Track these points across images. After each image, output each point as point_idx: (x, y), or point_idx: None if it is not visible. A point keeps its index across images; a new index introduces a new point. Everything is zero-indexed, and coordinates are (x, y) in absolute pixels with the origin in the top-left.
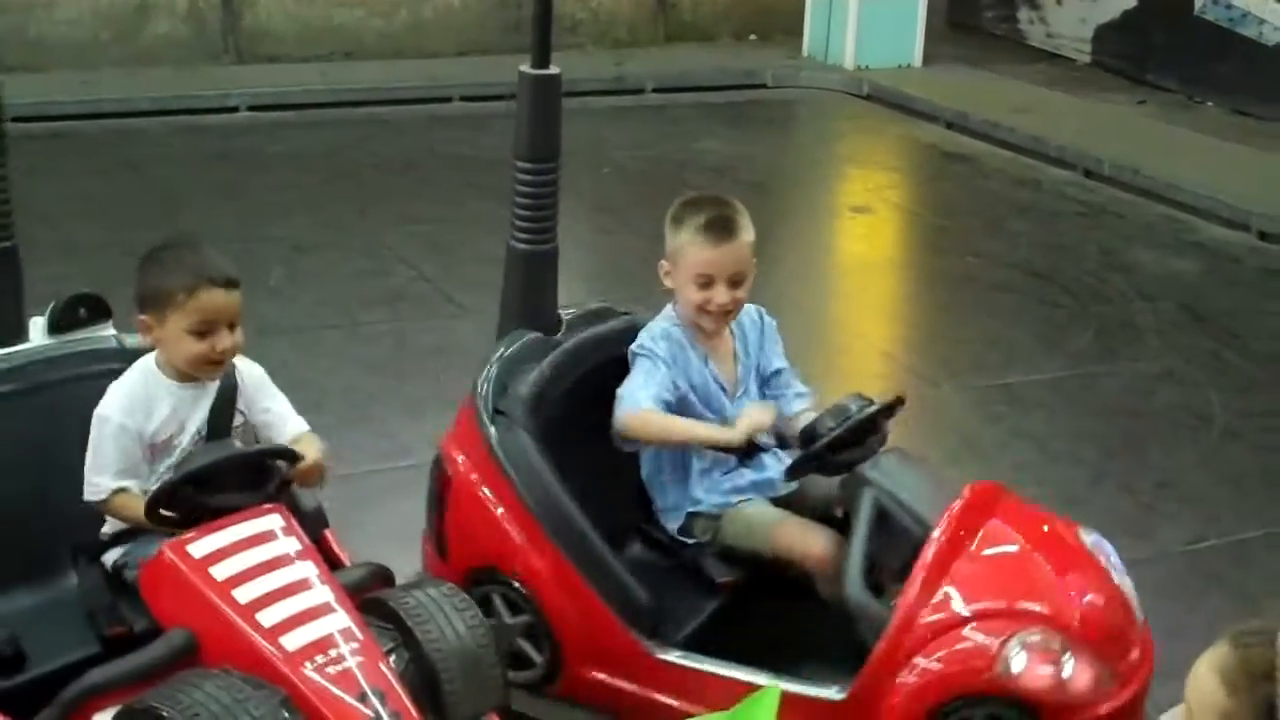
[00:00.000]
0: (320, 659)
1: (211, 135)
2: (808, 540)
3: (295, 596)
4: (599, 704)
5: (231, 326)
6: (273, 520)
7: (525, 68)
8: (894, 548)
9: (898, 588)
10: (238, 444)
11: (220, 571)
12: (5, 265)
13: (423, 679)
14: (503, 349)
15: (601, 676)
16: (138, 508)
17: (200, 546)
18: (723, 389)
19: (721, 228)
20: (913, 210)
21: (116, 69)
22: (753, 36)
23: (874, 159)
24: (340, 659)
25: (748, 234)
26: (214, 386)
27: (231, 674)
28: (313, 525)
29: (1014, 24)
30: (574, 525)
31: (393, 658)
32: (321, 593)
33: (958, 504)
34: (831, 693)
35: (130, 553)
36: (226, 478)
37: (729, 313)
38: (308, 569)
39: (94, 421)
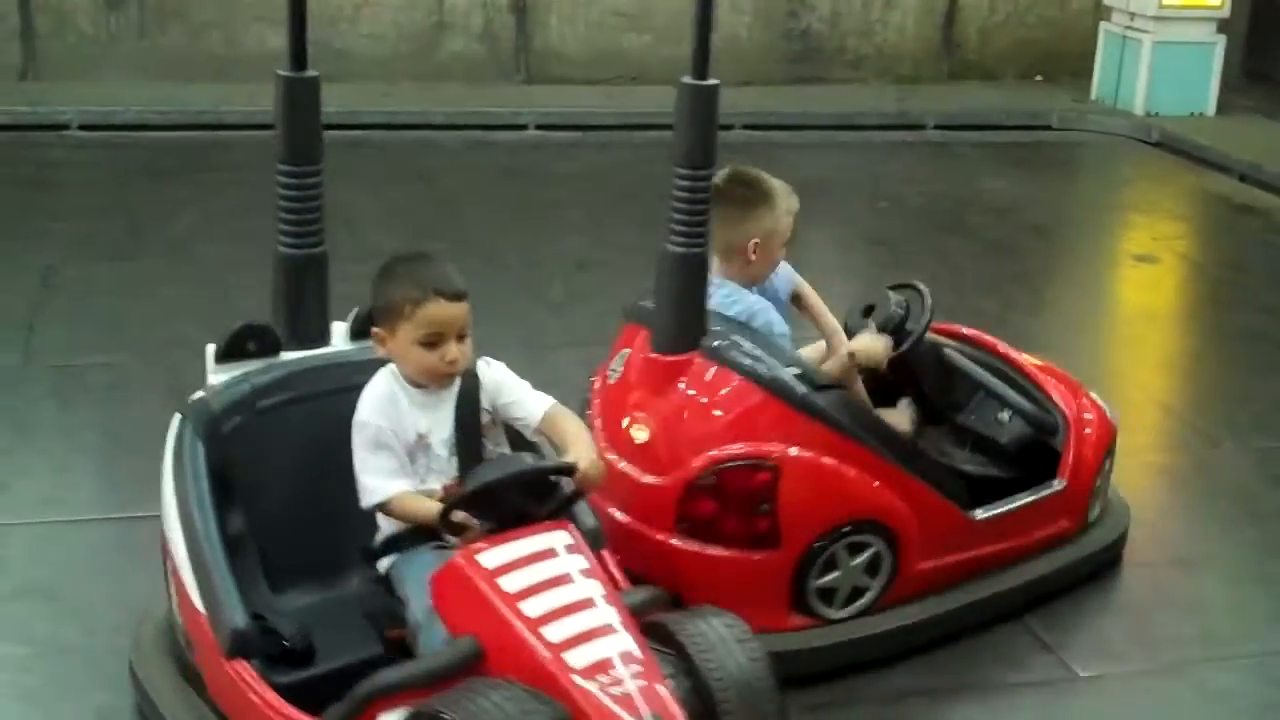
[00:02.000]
0: (602, 679)
1: (500, 151)
2: None
3: (580, 614)
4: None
5: (460, 337)
6: (560, 537)
7: (686, 78)
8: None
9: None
10: (527, 458)
11: (509, 584)
12: (315, 271)
13: (702, 708)
14: None
15: (932, 564)
16: (418, 507)
17: (490, 557)
18: None
19: None
20: (1199, 262)
21: (414, 83)
22: (1038, 77)
23: (1161, 207)
24: (621, 680)
25: None
26: (455, 390)
27: (516, 686)
28: (591, 544)
29: None
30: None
31: (672, 684)
32: (606, 613)
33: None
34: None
35: (397, 564)
36: (513, 492)
37: None
38: (593, 588)
39: (354, 428)
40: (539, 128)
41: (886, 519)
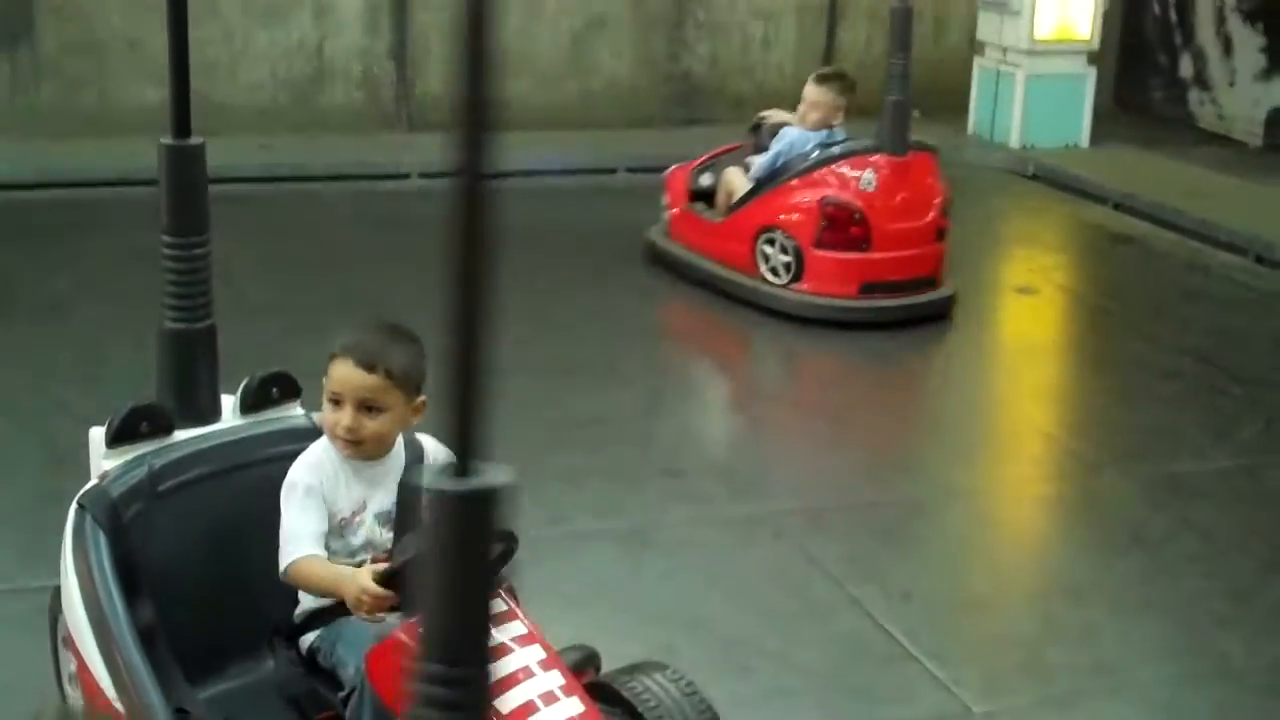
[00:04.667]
0: None
1: (383, 200)
2: None
3: (526, 683)
4: None
5: (367, 408)
6: (494, 605)
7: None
8: None
9: None
10: None
11: None
12: (204, 345)
13: None
14: None
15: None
16: (322, 576)
17: None
18: None
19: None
20: (1078, 292)
21: (294, 134)
22: (915, 112)
23: (1039, 239)
24: None
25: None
26: (397, 465)
27: None
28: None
29: (1184, 105)
30: None
31: None
32: (550, 679)
33: None
34: None
35: (324, 636)
36: None
37: None
38: (534, 653)
39: (284, 491)
40: (422, 176)
41: None
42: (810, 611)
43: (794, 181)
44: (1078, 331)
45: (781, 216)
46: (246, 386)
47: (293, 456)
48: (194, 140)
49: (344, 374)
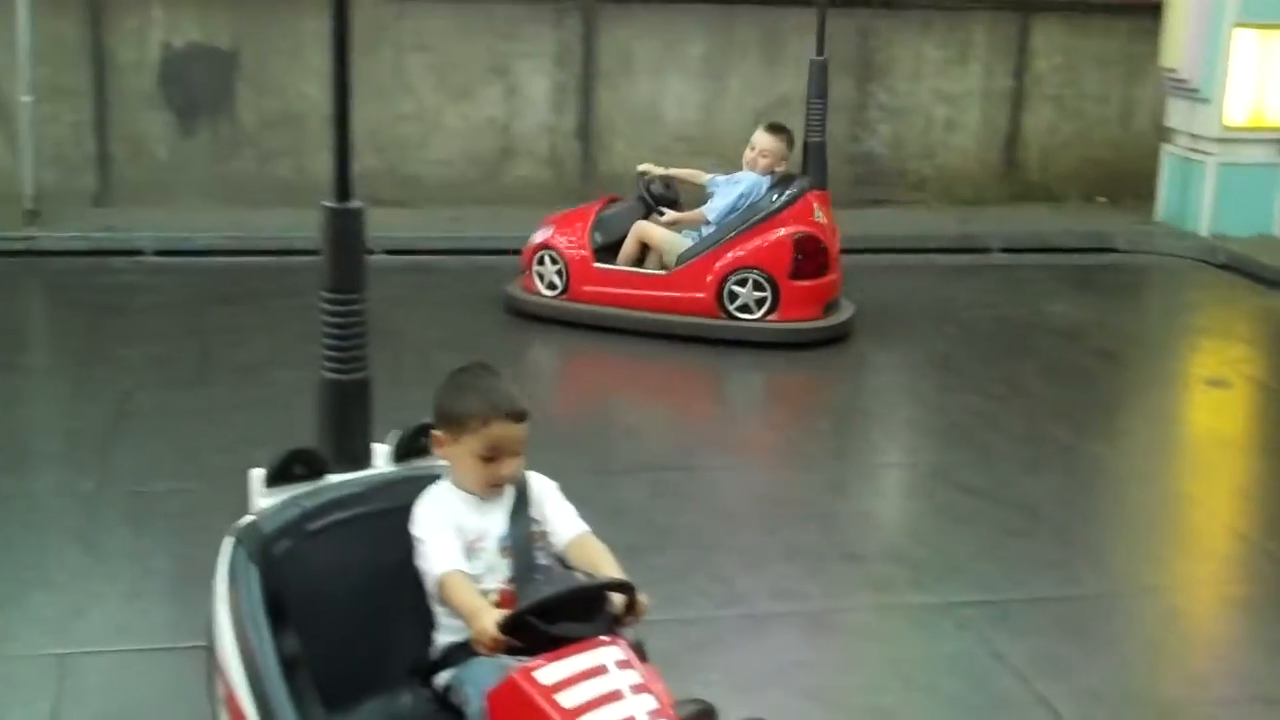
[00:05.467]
0: None
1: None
2: None
3: None
4: None
5: (515, 454)
6: (612, 652)
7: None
8: None
9: None
10: (579, 576)
11: (566, 699)
12: (358, 395)
13: None
14: None
15: None
16: (469, 599)
17: (547, 674)
18: None
19: None
20: (1271, 386)
21: (481, 207)
22: (1101, 199)
23: (1231, 330)
24: None
25: None
26: (509, 496)
27: None
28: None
29: None
30: None
31: None
32: None
33: None
34: None
35: (457, 676)
36: (569, 608)
37: None
38: (646, 702)
39: (415, 525)
40: None
41: None
42: (995, 707)
43: (761, 223)
44: (1271, 426)
45: (754, 256)
46: (400, 436)
47: None
48: (353, 204)
49: (504, 433)
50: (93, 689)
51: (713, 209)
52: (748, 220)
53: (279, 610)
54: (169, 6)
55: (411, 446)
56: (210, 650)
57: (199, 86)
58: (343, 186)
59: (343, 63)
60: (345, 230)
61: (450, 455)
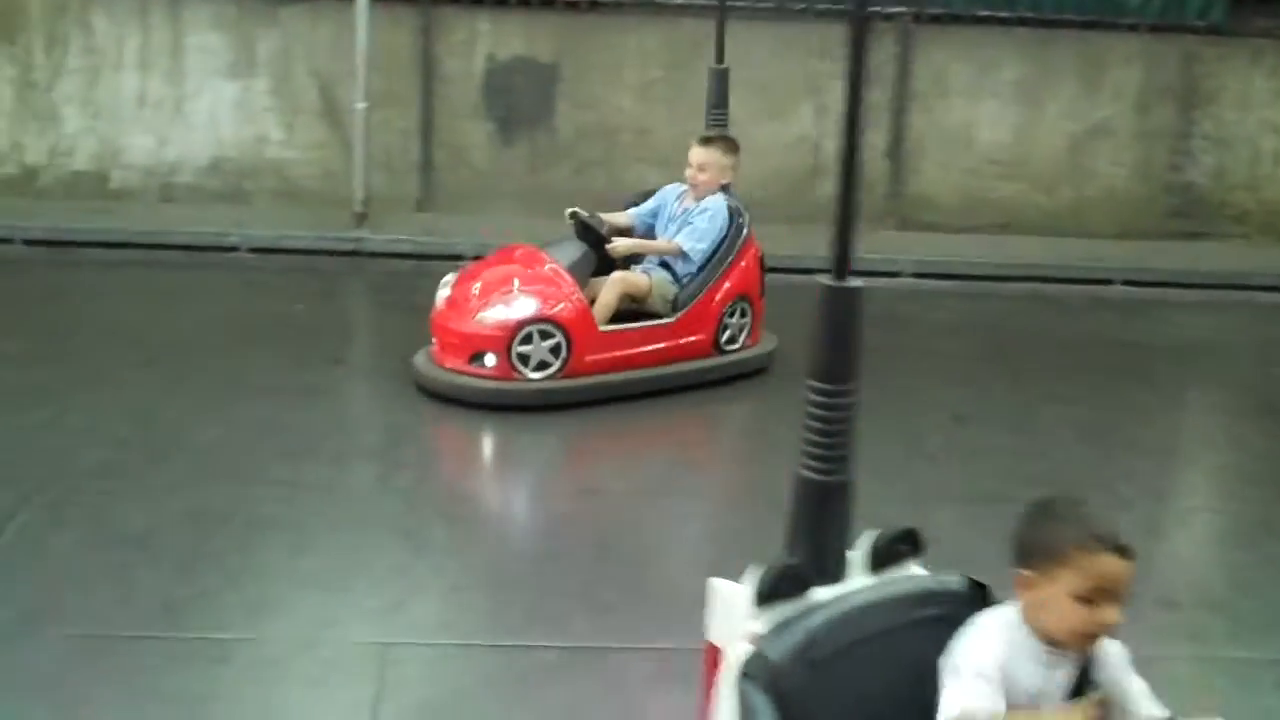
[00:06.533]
0: None
1: (873, 297)
2: None
3: None
4: None
5: (1118, 600)
6: None
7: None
8: None
9: None
10: None
11: None
12: (838, 499)
13: None
14: None
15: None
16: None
17: None
18: None
19: None
20: None
21: (787, 225)
22: None
23: None
24: None
25: None
26: (1079, 657)
27: None
28: None
29: None
30: None
31: None
32: None
33: None
34: None
35: None
36: None
37: None
38: None
39: (949, 666)
40: (913, 275)
41: None
42: None
43: (741, 247)
44: None
45: (741, 281)
46: (877, 542)
47: (938, 622)
48: (852, 283)
49: (1109, 569)
50: (412, 679)
51: (697, 242)
52: (734, 244)
53: None
54: (496, 20)
55: (889, 554)
56: None
57: (520, 98)
58: (842, 260)
59: (854, 123)
60: (842, 311)
61: (1037, 599)
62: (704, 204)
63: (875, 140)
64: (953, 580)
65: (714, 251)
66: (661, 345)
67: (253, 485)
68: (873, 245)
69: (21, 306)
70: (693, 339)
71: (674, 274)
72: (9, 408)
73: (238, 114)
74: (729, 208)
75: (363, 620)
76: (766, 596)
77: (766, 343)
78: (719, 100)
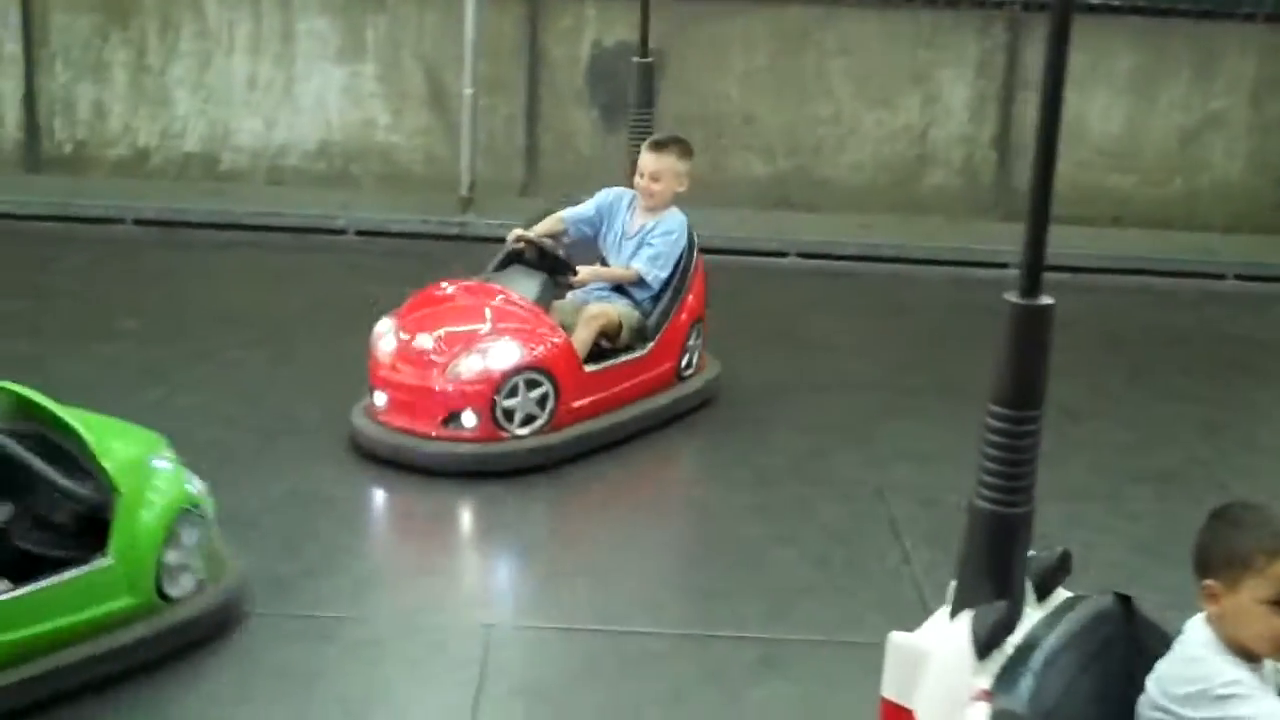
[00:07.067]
0: None
1: (979, 288)
2: None
3: None
4: None
5: None
6: None
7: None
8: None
9: None
10: None
11: None
12: (1020, 532)
13: None
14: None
15: None
16: None
17: None
18: None
19: None
20: None
21: (891, 215)
22: None
23: None
24: None
25: None
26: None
27: None
28: None
29: None
30: None
31: None
32: None
33: None
34: None
35: None
36: None
37: None
38: None
39: (1201, 701)
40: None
41: None
42: None
43: (696, 263)
44: None
45: (699, 301)
46: (1040, 567)
47: (1113, 644)
48: (1043, 300)
49: None
50: (515, 662)
51: (660, 270)
52: (691, 262)
53: None
54: (602, 6)
55: (1055, 578)
56: None
57: (624, 84)
58: (1034, 277)
59: (1053, 124)
60: (1031, 330)
61: (1228, 609)
62: (664, 222)
63: (983, 131)
64: (1106, 599)
65: (673, 274)
66: (638, 380)
67: (358, 467)
68: (980, 236)
69: (134, 286)
70: (661, 369)
71: (631, 298)
72: (123, 386)
73: (345, 99)
74: (688, 225)
75: (465, 603)
76: (987, 647)
77: (713, 366)
78: (643, 99)
